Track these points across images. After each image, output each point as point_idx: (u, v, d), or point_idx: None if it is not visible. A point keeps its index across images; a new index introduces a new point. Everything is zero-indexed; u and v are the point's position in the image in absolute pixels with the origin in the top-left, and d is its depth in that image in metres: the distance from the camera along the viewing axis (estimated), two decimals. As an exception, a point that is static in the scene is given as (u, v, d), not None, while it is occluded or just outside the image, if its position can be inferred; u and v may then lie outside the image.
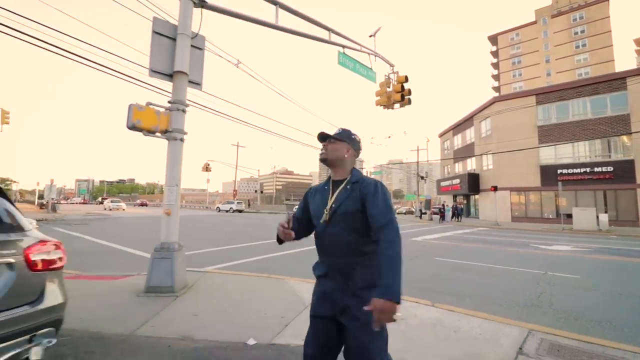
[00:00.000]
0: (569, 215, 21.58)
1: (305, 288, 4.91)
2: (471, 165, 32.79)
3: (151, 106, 4.93)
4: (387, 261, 1.42)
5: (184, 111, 5.28)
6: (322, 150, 1.76)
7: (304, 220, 1.85)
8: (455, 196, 35.05)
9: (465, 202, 33.72)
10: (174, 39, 5.37)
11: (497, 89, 68.28)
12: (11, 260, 1.79)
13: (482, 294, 5.17)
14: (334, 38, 8.85)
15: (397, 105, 11.25)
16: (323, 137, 1.79)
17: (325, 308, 1.63)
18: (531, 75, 61.31)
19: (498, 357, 2.84)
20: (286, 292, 4.79)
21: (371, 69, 10.59)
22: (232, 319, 3.67)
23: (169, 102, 5.21)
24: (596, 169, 22.90)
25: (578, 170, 23.55)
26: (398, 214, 48.97)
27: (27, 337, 1.77)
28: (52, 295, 1.99)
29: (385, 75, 11.28)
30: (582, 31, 55.80)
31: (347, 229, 1.59)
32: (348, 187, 1.67)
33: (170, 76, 5.30)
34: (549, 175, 24.65)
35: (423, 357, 2.81)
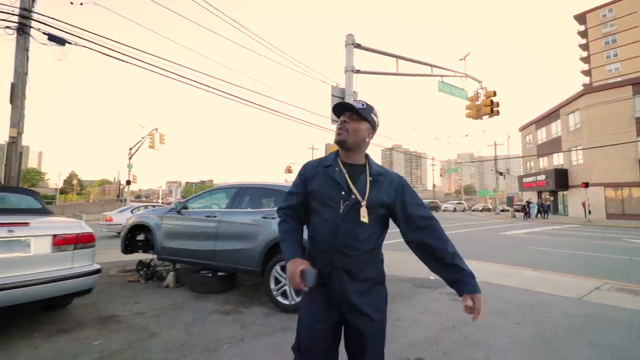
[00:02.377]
0: (676, 212, 20.44)
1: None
2: (558, 160, 31.68)
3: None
4: (458, 256, 1.37)
5: (351, 144, 8.19)
6: (339, 127, 1.43)
7: (300, 205, 1.51)
8: (540, 192, 34.05)
9: (552, 198, 32.67)
10: (343, 98, 8.31)
11: (587, 72, 62.02)
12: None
13: (571, 268, 7.10)
14: (435, 71, 11.17)
15: (485, 117, 13.08)
16: (343, 108, 1.46)
17: (328, 314, 1.39)
18: (630, 54, 54.60)
19: (582, 289, 5.05)
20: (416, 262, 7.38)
21: (463, 89, 12.62)
22: (405, 270, 6.33)
23: (343, 139, 8.16)
24: None
25: (687, 163, 21.92)
26: (473, 211, 48.27)
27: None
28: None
29: (475, 91, 13.16)
30: (698, -1, 48.14)
31: (372, 224, 1.39)
32: (370, 178, 1.42)
33: (341, 122, 8.26)
34: (651, 169, 23.26)
35: (538, 286, 5.14)
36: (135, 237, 5.23)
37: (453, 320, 3.49)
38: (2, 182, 7.89)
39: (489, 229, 17.26)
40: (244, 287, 4.81)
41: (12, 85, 7.96)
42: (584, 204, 25.60)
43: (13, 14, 7.77)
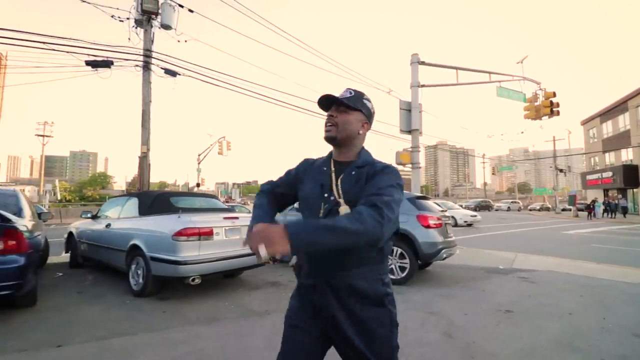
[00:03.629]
0: None
1: (497, 254, 8.29)
2: (627, 155, 29.63)
3: (405, 150, 9.10)
4: (334, 221, 1.00)
5: (418, 151, 9.30)
6: (328, 123, 1.25)
7: (279, 196, 1.40)
8: (606, 190, 31.99)
9: (620, 196, 30.60)
10: (409, 110, 9.44)
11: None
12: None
13: (636, 263, 7.57)
14: (493, 77, 11.83)
15: (545, 117, 13.35)
16: (328, 102, 1.27)
17: (309, 319, 1.23)
18: None
19: (643, 277, 5.75)
20: (490, 255, 8.26)
21: (521, 92, 13.05)
22: (475, 261, 7.31)
23: (411, 147, 9.31)
24: None
25: None
26: (530, 210, 46.04)
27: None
28: (450, 236, 6.00)
29: (533, 93, 13.47)
30: None
31: None
32: (353, 172, 1.22)
33: (409, 132, 9.40)
34: None
35: (599, 274, 5.91)
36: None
37: (528, 292, 4.56)
38: (138, 189, 10.09)
39: (550, 228, 17.18)
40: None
41: (143, 111, 10.13)
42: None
43: (139, 55, 9.94)
